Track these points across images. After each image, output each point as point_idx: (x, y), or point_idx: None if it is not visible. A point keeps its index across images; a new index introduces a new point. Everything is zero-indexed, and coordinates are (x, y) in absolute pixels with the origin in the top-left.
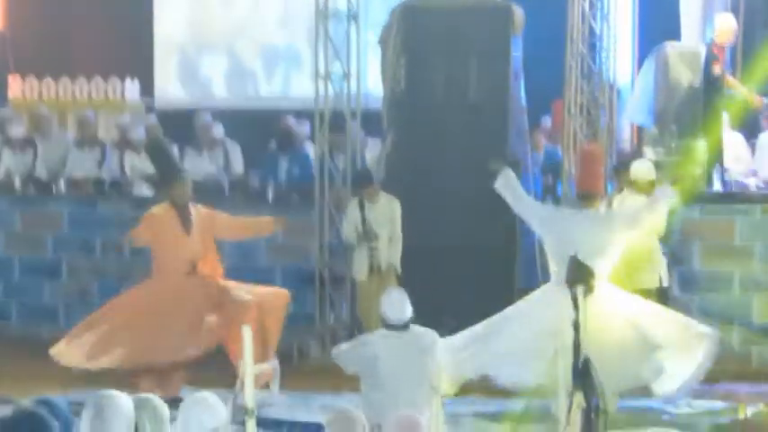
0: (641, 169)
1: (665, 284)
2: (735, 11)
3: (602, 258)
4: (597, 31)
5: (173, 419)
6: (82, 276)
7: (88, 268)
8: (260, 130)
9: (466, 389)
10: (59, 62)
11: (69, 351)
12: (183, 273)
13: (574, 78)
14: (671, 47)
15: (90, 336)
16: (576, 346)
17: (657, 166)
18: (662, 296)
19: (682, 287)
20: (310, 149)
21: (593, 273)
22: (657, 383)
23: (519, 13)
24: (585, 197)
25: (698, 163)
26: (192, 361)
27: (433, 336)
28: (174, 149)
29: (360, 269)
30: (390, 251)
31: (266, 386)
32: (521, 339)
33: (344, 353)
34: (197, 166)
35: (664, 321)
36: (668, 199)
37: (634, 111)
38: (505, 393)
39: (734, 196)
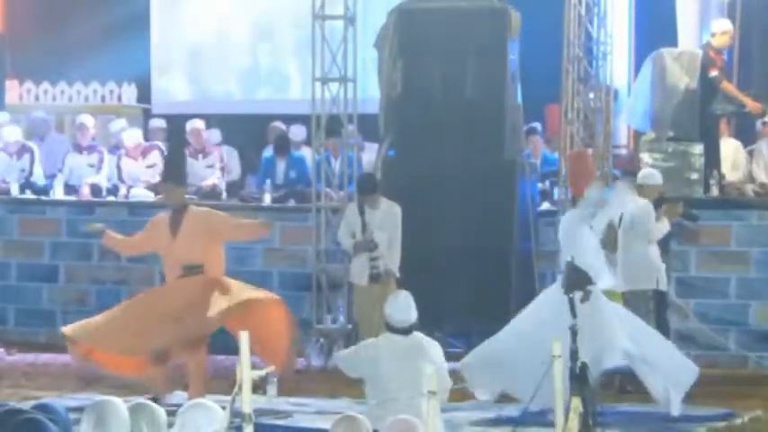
0: (648, 176)
1: (664, 289)
2: (731, 15)
3: None
4: (594, 35)
5: (170, 425)
6: (79, 281)
7: (86, 273)
8: (257, 134)
9: (463, 395)
10: (57, 67)
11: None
12: (176, 275)
13: (570, 82)
14: (668, 51)
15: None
16: (574, 352)
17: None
18: (660, 300)
19: (679, 292)
20: (307, 153)
21: (589, 279)
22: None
23: (516, 16)
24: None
25: (694, 168)
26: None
27: (435, 344)
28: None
29: (359, 276)
30: (389, 256)
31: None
32: (535, 354)
33: (346, 357)
34: (193, 170)
35: (654, 344)
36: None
37: (631, 115)
38: (502, 400)
39: (730, 202)
